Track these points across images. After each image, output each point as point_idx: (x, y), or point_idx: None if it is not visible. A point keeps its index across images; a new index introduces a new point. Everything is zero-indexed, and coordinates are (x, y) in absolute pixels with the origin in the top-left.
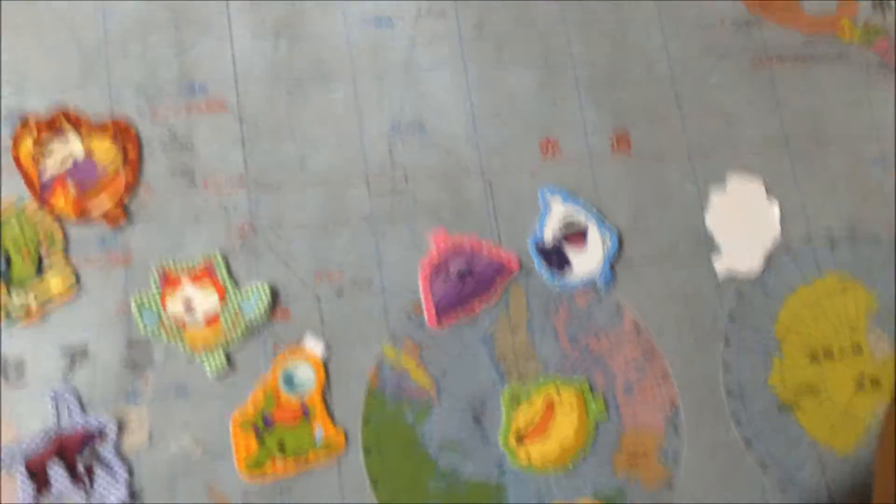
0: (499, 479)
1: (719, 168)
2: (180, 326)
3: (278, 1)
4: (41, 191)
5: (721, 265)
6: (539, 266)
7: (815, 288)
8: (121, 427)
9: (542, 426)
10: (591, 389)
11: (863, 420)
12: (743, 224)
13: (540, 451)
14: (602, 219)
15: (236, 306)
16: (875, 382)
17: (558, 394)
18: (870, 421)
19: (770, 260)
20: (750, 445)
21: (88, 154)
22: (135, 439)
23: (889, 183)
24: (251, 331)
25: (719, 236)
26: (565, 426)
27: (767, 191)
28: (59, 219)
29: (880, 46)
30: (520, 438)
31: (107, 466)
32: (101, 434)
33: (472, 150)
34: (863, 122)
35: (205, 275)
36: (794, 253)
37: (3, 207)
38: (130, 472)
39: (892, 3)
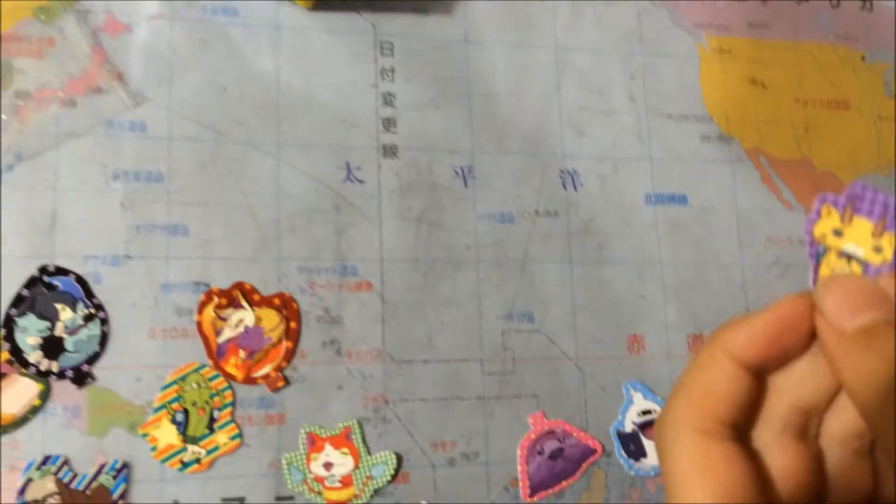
0: None
1: None
2: (320, 484)
3: (423, 191)
4: (217, 355)
5: None
6: (619, 452)
7: None
8: None
9: None
10: None
11: None
12: None
13: None
14: None
15: (367, 470)
16: None
17: None
18: None
19: None
20: None
21: (258, 322)
22: None
23: None
24: (377, 492)
25: None
26: None
27: None
28: (229, 380)
29: None
30: None
31: None
32: None
33: (571, 341)
34: None
35: (343, 440)
36: None
37: (186, 371)
38: None
39: None
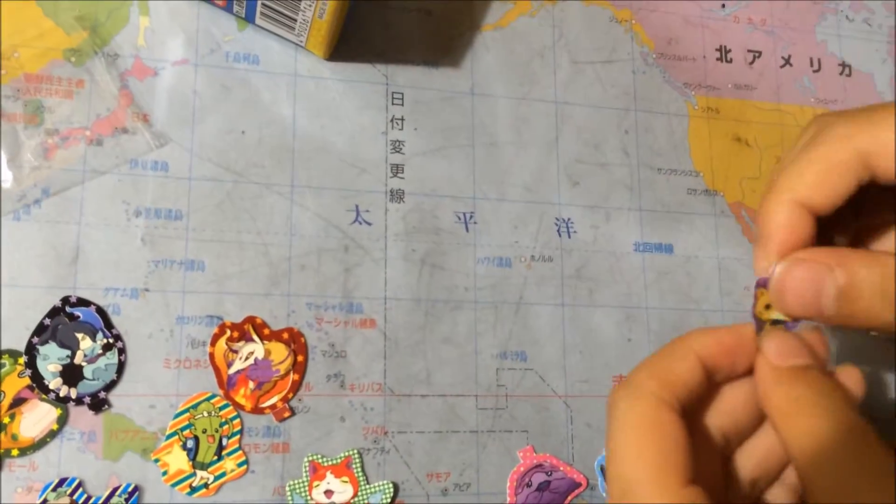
0: None
1: None
2: None
3: (427, 234)
4: (227, 385)
5: None
6: (601, 486)
7: None
8: None
9: None
10: None
11: None
12: None
13: None
14: None
15: (366, 498)
16: None
17: None
18: None
19: None
20: None
21: (267, 355)
22: None
23: None
24: None
25: None
26: None
27: None
28: (238, 410)
29: None
30: None
31: None
32: None
33: (560, 379)
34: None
35: (344, 469)
36: None
37: (198, 399)
38: None
39: None
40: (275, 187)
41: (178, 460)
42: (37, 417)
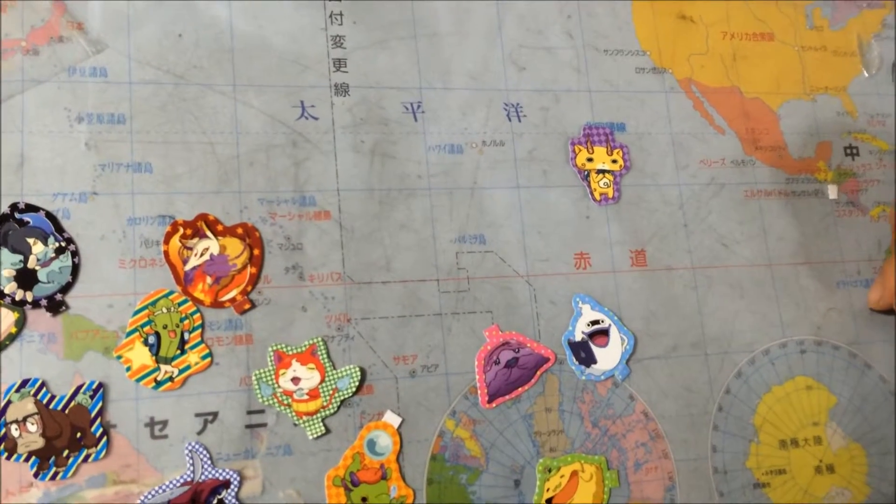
0: None
1: (715, 279)
2: (289, 398)
3: (375, 126)
4: (185, 281)
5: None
6: (570, 360)
7: (786, 387)
8: (241, 479)
9: (568, 491)
10: (608, 465)
11: (820, 499)
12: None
13: None
14: (621, 323)
15: (333, 383)
16: (830, 469)
17: (582, 468)
18: (825, 500)
19: (754, 362)
20: None
21: (222, 251)
22: (250, 489)
23: (847, 301)
24: (344, 403)
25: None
26: (586, 493)
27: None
28: (197, 305)
29: (848, 186)
30: (549, 501)
31: None
32: (227, 484)
33: (521, 260)
34: (831, 248)
35: (309, 356)
36: (772, 357)
37: (156, 297)
38: None
39: (859, 151)
40: (217, 87)
41: (140, 356)
42: None
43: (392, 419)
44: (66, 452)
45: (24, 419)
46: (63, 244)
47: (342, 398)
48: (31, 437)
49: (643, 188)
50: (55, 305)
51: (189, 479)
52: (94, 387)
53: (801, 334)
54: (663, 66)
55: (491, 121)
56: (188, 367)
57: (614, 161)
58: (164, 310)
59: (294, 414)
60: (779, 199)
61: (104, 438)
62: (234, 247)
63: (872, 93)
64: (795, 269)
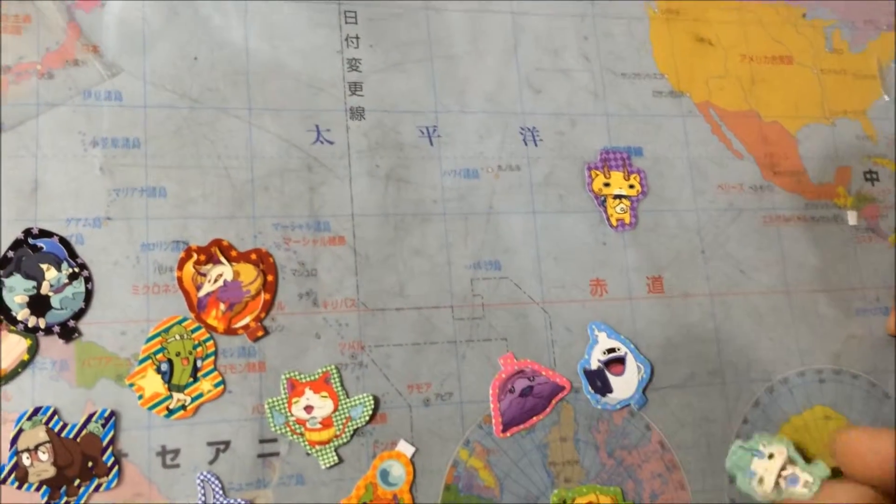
0: None
1: (733, 307)
2: (302, 427)
3: (390, 150)
4: (198, 308)
5: None
6: (586, 388)
7: (804, 417)
8: None
9: None
10: (624, 496)
11: None
12: None
13: None
14: (638, 351)
15: (346, 412)
16: None
17: (597, 499)
18: None
19: (772, 391)
20: None
21: (236, 277)
22: None
23: (867, 329)
24: (357, 432)
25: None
26: None
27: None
28: (210, 332)
29: (868, 212)
30: None
31: None
32: None
33: (536, 286)
34: (850, 275)
35: (323, 384)
36: (791, 385)
37: (169, 323)
38: None
39: (879, 176)
40: (232, 111)
41: (153, 384)
42: (6, 349)
43: (405, 448)
44: (77, 482)
45: (36, 448)
46: (76, 270)
47: (355, 427)
48: (42, 465)
49: (660, 214)
50: (68, 332)
51: None
52: (105, 415)
53: (820, 363)
54: (681, 90)
55: (507, 145)
56: (201, 395)
57: (631, 186)
58: (177, 337)
59: (307, 443)
60: (797, 224)
61: (116, 467)
62: (248, 273)
63: (893, 117)
64: (814, 297)
